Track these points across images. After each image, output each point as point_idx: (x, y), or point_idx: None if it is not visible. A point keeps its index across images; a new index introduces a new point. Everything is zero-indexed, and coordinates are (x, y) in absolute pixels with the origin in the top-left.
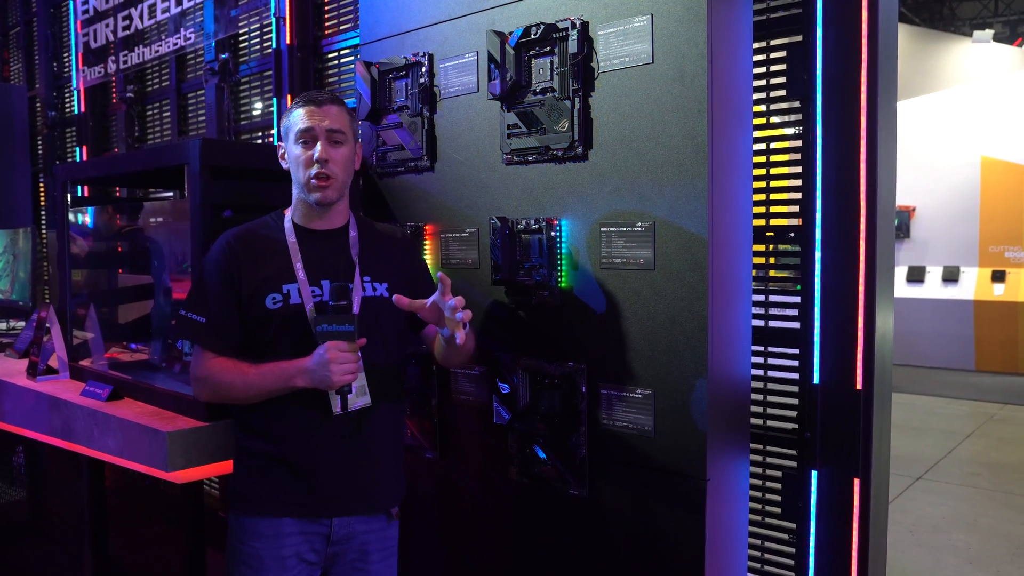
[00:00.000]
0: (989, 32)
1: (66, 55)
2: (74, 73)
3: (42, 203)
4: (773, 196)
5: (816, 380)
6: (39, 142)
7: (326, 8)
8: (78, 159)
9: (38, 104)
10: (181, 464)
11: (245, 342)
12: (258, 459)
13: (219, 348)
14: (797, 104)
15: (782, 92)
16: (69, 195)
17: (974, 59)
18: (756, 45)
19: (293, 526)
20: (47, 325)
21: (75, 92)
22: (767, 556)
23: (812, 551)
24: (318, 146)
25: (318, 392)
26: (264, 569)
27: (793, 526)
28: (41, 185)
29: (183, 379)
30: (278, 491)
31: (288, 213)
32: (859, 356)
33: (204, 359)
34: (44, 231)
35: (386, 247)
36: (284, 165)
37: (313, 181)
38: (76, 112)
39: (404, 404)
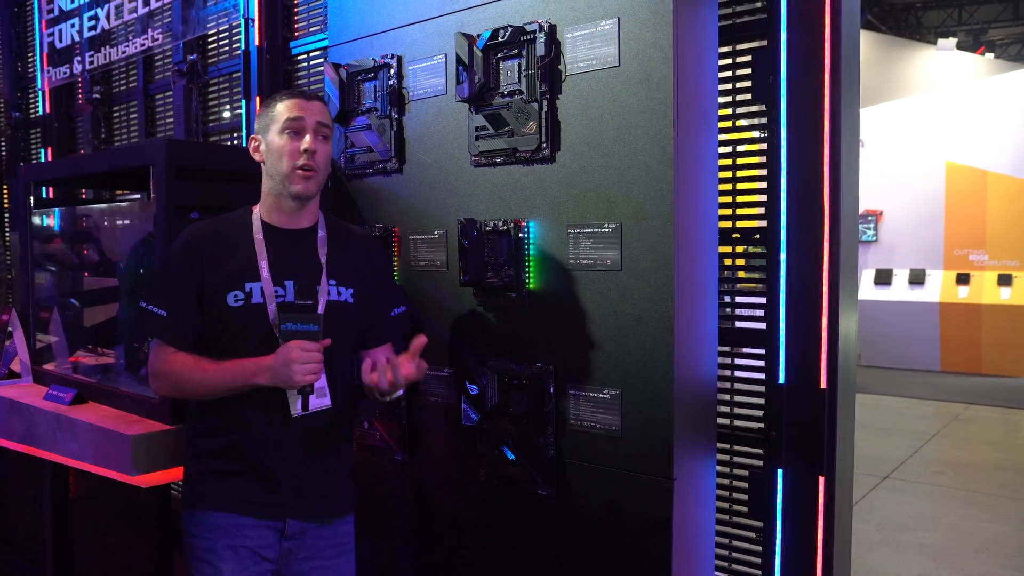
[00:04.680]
0: (953, 40)
1: (30, 55)
2: (39, 73)
3: (5, 205)
4: (739, 198)
5: (782, 380)
6: (2, 143)
7: (295, 10)
8: (43, 160)
9: (2, 104)
10: (146, 467)
11: (206, 338)
12: (216, 459)
13: (179, 343)
14: (762, 108)
15: (747, 96)
16: (33, 197)
17: (938, 67)
18: (722, 49)
19: (248, 520)
20: (9, 329)
21: (40, 93)
22: (734, 554)
23: (778, 549)
24: (307, 137)
25: (277, 394)
26: (219, 560)
27: (760, 524)
28: (4, 187)
29: (148, 383)
30: (235, 489)
31: (256, 209)
32: (823, 356)
33: (163, 353)
34: (7, 233)
35: (354, 251)
36: (257, 158)
37: (298, 172)
38: (41, 113)
39: (356, 411)
